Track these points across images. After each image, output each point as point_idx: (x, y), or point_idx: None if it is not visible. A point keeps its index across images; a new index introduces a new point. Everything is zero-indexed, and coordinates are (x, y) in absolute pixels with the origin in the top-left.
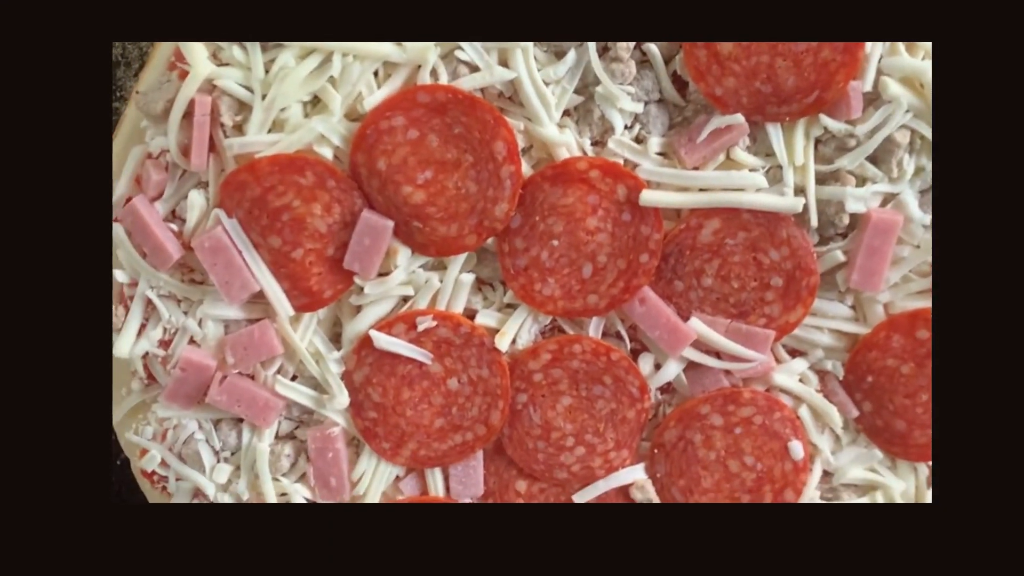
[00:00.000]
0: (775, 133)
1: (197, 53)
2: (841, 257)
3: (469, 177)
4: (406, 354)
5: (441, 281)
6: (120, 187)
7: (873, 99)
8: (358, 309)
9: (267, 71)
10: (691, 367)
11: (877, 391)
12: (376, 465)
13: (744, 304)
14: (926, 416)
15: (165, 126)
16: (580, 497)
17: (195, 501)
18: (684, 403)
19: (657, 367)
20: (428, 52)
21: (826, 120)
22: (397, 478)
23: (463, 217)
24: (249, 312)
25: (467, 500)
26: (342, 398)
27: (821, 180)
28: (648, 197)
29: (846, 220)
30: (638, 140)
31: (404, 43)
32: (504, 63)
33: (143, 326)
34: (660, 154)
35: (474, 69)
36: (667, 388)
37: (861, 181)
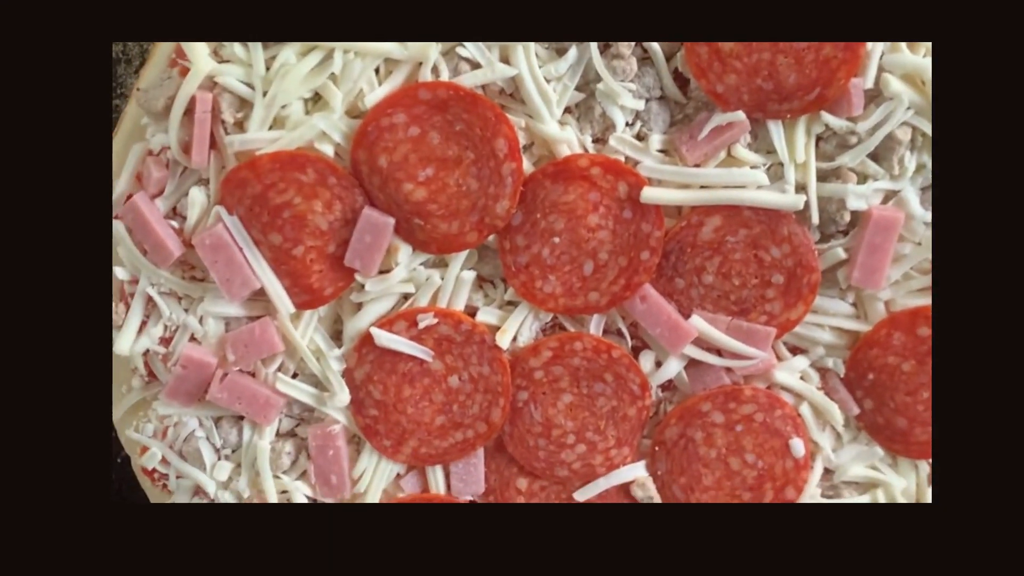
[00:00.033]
0: (776, 130)
1: (198, 50)
2: (842, 254)
3: (470, 174)
4: (407, 351)
5: (442, 278)
6: (121, 184)
7: (874, 96)
8: (359, 306)
9: (268, 68)
10: (692, 364)
11: (878, 388)
12: (377, 463)
13: (745, 301)
14: (927, 413)
15: (166, 123)
16: (581, 495)
17: (195, 499)
18: (685, 400)
19: (658, 364)
20: (429, 49)
21: (827, 117)
22: (398, 475)
23: (464, 214)
24: (250, 309)
25: (468, 498)
26: (343, 395)
27: (822, 177)
28: (649, 194)
29: (847, 217)
30: (639, 137)
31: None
32: (505, 60)
33: (144, 323)
34: (661, 151)
35: (475, 66)
36: (668, 385)
37: (862, 178)
